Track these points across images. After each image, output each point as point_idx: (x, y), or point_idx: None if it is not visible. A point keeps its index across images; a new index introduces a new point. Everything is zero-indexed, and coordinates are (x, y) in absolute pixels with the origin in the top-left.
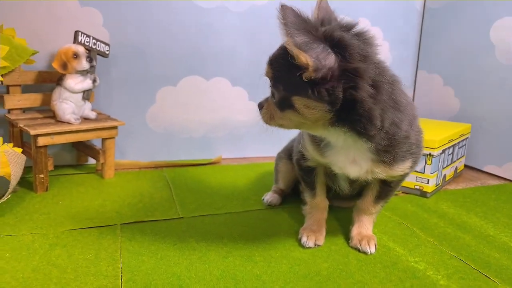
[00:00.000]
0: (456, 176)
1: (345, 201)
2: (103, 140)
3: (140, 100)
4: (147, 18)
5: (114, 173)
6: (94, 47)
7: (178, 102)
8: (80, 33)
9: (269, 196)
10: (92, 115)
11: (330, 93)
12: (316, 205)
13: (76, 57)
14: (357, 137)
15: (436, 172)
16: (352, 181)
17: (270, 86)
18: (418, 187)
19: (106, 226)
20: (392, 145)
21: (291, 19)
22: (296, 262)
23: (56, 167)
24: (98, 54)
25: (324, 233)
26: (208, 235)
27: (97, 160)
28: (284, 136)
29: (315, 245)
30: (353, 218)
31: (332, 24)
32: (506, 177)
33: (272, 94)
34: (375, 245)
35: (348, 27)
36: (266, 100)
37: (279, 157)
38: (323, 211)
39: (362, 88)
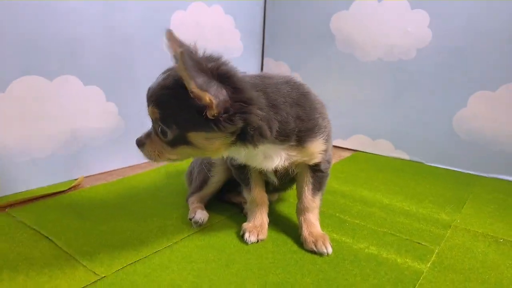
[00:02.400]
0: None
1: (271, 194)
2: None
3: None
4: None
5: None
6: None
7: (10, 114)
8: None
9: (200, 214)
10: None
11: (230, 124)
12: (254, 200)
13: None
14: (253, 147)
15: None
16: (275, 172)
17: (154, 125)
18: None
19: None
20: (289, 134)
21: (189, 62)
22: (270, 284)
23: None
24: None
25: (266, 227)
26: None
27: None
28: None
29: (257, 240)
30: (299, 219)
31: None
32: (351, 148)
33: (158, 132)
34: (330, 244)
35: (214, 59)
36: (148, 136)
37: (210, 163)
38: (262, 205)
39: (254, 113)
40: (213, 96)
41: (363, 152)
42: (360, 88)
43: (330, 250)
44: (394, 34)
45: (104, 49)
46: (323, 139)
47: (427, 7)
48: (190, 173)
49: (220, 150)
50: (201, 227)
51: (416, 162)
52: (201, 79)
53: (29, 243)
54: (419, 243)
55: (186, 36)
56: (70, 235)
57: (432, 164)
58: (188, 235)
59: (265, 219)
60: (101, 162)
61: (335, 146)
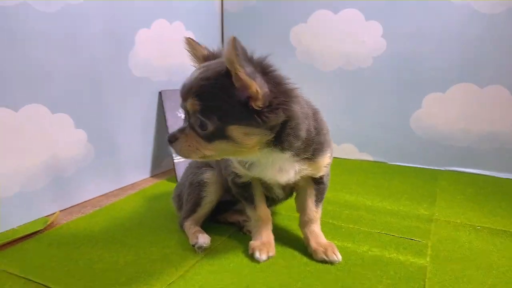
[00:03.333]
0: None
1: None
2: None
3: None
4: None
5: None
6: None
7: None
8: None
9: (203, 239)
10: None
11: (274, 115)
12: (259, 217)
13: None
14: (281, 152)
15: None
16: (284, 186)
17: (192, 118)
18: None
19: None
20: (309, 145)
21: (240, 49)
22: None
23: None
24: None
25: (273, 243)
26: None
27: None
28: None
29: (268, 257)
30: (304, 232)
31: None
32: (341, 156)
33: (196, 125)
34: (337, 251)
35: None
36: (182, 131)
37: (203, 183)
38: (267, 221)
39: (293, 108)
40: (259, 86)
41: None
42: (322, 96)
43: (340, 257)
44: (351, 44)
45: (70, 73)
46: (329, 153)
47: (380, 18)
48: (179, 196)
49: (255, 148)
50: (205, 252)
51: (380, 162)
52: (249, 68)
53: None
54: (412, 239)
55: (150, 52)
56: (62, 276)
57: (395, 163)
58: (196, 262)
59: (271, 236)
60: (74, 193)
61: None
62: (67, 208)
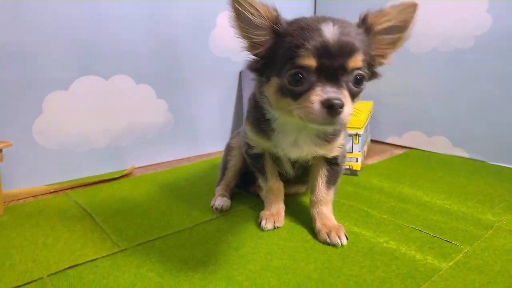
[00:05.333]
0: (367, 150)
1: (291, 187)
2: None
3: (23, 110)
4: (22, 12)
5: (4, 208)
6: None
7: (72, 109)
8: None
9: (219, 201)
10: None
11: (378, 75)
12: (270, 188)
13: None
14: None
15: (362, 150)
16: (294, 163)
17: (347, 77)
18: (348, 167)
19: (29, 283)
20: None
21: None
22: (282, 271)
23: None
24: None
25: (283, 214)
26: (168, 263)
27: None
28: (199, 134)
29: (274, 227)
30: (312, 212)
31: None
32: (406, 145)
33: (354, 83)
34: (346, 235)
35: None
36: (340, 93)
37: (229, 148)
38: (278, 193)
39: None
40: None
41: (418, 149)
42: (413, 81)
43: (344, 241)
44: (448, 22)
45: (153, 51)
46: (343, 134)
47: None
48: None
49: None
50: (224, 214)
51: (477, 160)
52: None
53: (76, 218)
54: (448, 241)
55: (231, 33)
56: (109, 214)
57: (496, 163)
58: (210, 220)
59: (281, 207)
60: (152, 154)
61: (389, 144)
62: (144, 166)
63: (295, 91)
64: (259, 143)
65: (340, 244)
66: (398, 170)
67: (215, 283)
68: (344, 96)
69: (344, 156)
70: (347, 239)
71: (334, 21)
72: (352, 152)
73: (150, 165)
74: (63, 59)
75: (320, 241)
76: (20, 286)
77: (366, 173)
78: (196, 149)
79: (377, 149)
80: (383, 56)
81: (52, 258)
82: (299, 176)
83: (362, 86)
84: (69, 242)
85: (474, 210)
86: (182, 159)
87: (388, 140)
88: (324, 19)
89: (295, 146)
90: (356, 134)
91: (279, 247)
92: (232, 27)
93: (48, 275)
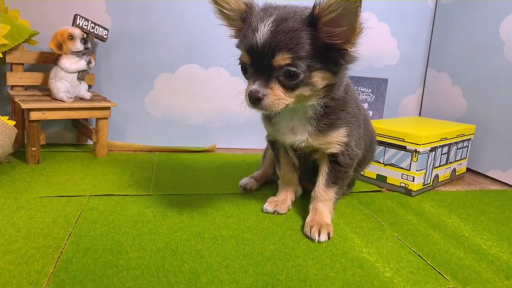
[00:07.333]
0: (454, 178)
1: (311, 183)
2: (97, 120)
3: (139, 85)
4: (150, 6)
5: (107, 153)
6: (92, 30)
7: (176, 89)
8: (78, 16)
9: (245, 180)
10: (87, 95)
11: (350, 59)
12: (282, 176)
13: (71, 38)
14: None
15: (424, 170)
16: (296, 151)
17: (277, 72)
18: (403, 185)
19: (75, 196)
20: (327, 114)
21: None
22: (243, 242)
23: (57, 145)
24: (96, 38)
25: (288, 203)
26: (168, 212)
27: (91, 139)
28: None
29: (274, 211)
30: (309, 206)
31: None
32: (510, 183)
33: (283, 77)
34: (328, 234)
35: None
36: (266, 86)
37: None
38: (288, 182)
39: (351, 54)
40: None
41: None
42: None
43: (322, 238)
44: None
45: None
46: (345, 131)
47: None
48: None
49: (319, 92)
50: (246, 193)
51: None
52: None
53: (143, 169)
54: (440, 273)
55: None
56: (167, 172)
57: None
58: (230, 193)
59: (289, 197)
60: (234, 140)
61: (489, 177)
62: (228, 148)
63: (245, 78)
64: (267, 128)
65: (316, 239)
66: (468, 203)
67: (184, 233)
68: (271, 88)
69: (350, 158)
70: (329, 238)
71: (276, 16)
72: (409, 170)
73: (233, 148)
74: (174, 48)
75: (303, 234)
76: (71, 196)
77: (425, 197)
78: None
79: (469, 179)
80: (344, 43)
81: (103, 186)
82: (310, 171)
83: (297, 79)
84: (124, 180)
85: None
86: (258, 149)
87: (490, 174)
88: (270, 13)
89: (291, 132)
90: (415, 151)
91: (265, 226)
92: (217, 18)
93: (90, 195)
